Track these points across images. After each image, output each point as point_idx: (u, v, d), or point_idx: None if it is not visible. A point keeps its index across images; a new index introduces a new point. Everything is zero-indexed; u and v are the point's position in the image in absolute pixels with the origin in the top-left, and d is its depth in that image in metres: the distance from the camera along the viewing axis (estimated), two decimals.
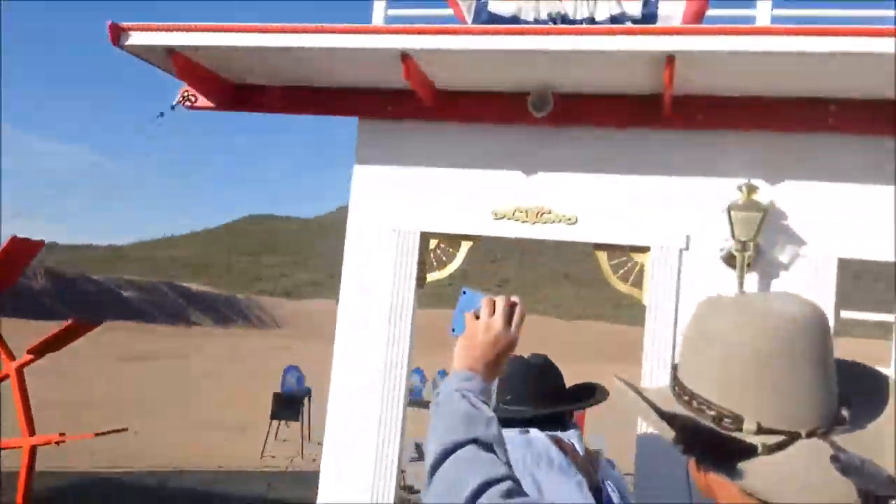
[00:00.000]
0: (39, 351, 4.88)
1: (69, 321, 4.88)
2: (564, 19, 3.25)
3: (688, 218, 3.05)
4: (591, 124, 3.16)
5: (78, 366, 18.89)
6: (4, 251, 4.81)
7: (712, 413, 1.02)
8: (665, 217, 3.08)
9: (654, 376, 3.01)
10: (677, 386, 1.10)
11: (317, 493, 3.29)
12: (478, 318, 1.44)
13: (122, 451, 9.75)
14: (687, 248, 3.05)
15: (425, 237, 3.30)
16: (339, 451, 3.28)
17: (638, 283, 3.12)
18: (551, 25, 3.13)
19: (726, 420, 1.00)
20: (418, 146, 3.35)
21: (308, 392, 12.60)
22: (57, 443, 4.71)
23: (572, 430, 2.17)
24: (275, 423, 12.13)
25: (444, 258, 3.31)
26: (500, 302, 1.44)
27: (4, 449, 4.80)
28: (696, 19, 3.15)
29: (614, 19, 3.20)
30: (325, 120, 3.64)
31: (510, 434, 1.92)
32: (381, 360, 3.26)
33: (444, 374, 12.23)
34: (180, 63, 3.13)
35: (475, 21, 3.32)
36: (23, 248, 4.96)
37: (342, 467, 3.25)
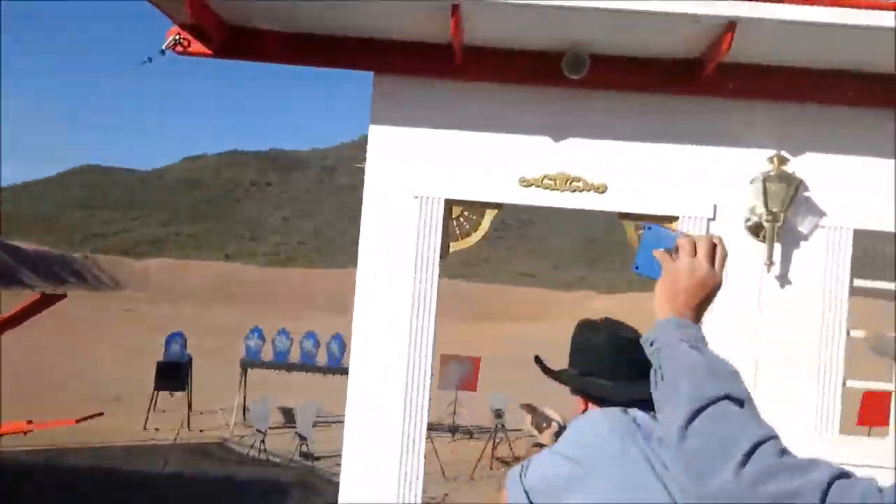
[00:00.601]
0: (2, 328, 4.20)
1: (36, 295, 4.21)
2: None
3: (715, 188, 3.09)
4: (623, 89, 3.11)
5: None
6: (26, 307, 4.16)
7: None
8: (693, 186, 3.10)
9: None
10: None
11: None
12: (672, 257, 1.36)
13: None
14: (714, 218, 3.09)
15: (449, 204, 3.14)
16: (362, 425, 3.10)
17: None
18: None
19: None
20: (441, 106, 3.15)
21: (190, 360, 11.94)
22: (25, 432, 4.11)
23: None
24: (153, 393, 11.43)
25: (467, 226, 3.17)
26: (702, 242, 1.35)
27: None
28: None
29: None
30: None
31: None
32: (406, 330, 3.09)
33: (340, 338, 11.98)
34: (196, 2, 2.75)
35: None
36: (47, 303, 4.29)
37: (367, 432, 3.09)
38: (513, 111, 3.14)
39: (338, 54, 3.15)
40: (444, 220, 3.13)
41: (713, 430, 1.09)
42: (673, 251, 1.37)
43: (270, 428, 10.37)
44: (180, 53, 3.11)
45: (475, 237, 3.17)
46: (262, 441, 9.69)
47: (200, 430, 11.48)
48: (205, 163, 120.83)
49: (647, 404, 2.17)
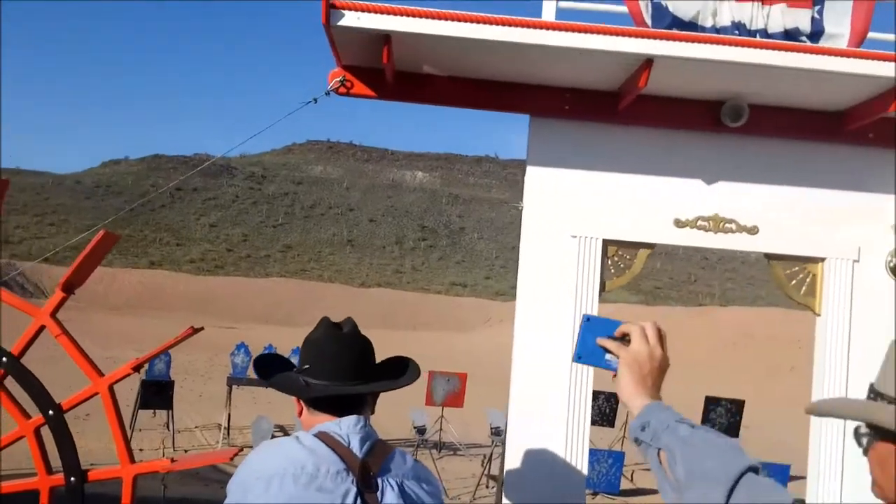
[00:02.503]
0: (74, 282, 3.86)
1: (101, 233, 3.87)
2: (740, 27, 3.28)
3: (860, 231, 3.25)
4: (776, 135, 3.24)
5: None
6: (93, 248, 3.84)
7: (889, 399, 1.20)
8: (839, 229, 3.25)
9: (828, 382, 3.19)
10: (872, 392, 1.26)
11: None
12: (621, 341, 1.50)
13: None
14: (858, 260, 3.25)
15: (606, 244, 3.20)
16: (523, 463, 3.11)
17: (811, 293, 3.27)
18: (753, 38, 3.12)
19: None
20: (599, 149, 3.21)
21: (171, 380, 11.59)
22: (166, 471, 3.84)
23: (351, 419, 1.90)
24: (134, 411, 11.04)
25: (621, 265, 3.23)
26: (650, 328, 1.50)
27: (99, 479, 3.82)
28: (859, 39, 3.32)
29: (788, 33, 3.28)
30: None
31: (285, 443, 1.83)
32: (566, 366, 3.13)
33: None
34: (390, 50, 2.74)
35: (656, 22, 3.23)
36: (108, 242, 4.01)
37: (527, 468, 3.11)
38: (669, 155, 3.23)
39: (499, 98, 3.19)
40: (602, 258, 3.19)
41: (752, 499, 1.23)
42: (621, 339, 1.50)
43: None
44: (342, 94, 3.09)
45: (629, 275, 3.24)
46: None
47: (185, 451, 11.14)
48: (126, 167, 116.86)
49: (346, 404, 1.96)
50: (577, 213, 3.18)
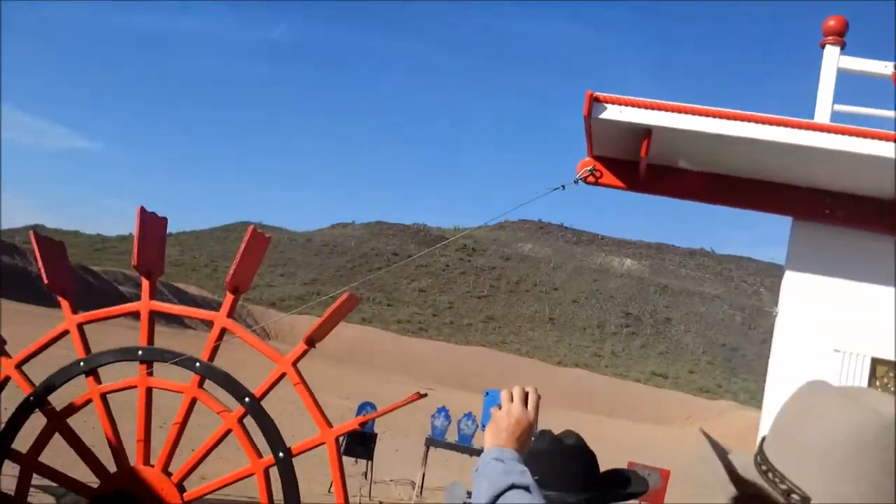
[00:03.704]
0: (315, 337, 4.29)
1: (345, 295, 4.24)
2: None
3: None
4: None
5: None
6: (337, 307, 4.32)
7: (784, 487, 1.15)
8: None
9: None
10: (759, 456, 1.23)
11: None
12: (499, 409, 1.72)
13: None
14: None
15: (875, 364, 2.91)
16: None
17: None
18: None
19: (794, 496, 1.13)
20: (871, 258, 2.97)
21: (375, 433, 12.07)
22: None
23: None
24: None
25: (891, 388, 2.91)
26: (517, 391, 1.72)
27: (305, 451, 4.19)
28: None
29: None
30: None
31: None
32: None
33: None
34: (649, 143, 2.75)
35: None
36: (351, 304, 4.46)
37: None
38: None
39: (758, 197, 3.07)
40: (869, 379, 2.90)
41: None
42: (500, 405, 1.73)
43: None
44: (591, 183, 3.13)
45: None
46: None
47: (380, 502, 11.45)
48: (351, 231, 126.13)
49: None
50: (840, 324, 2.94)
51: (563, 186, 3.16)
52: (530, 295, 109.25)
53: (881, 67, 3.11)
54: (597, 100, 2.68)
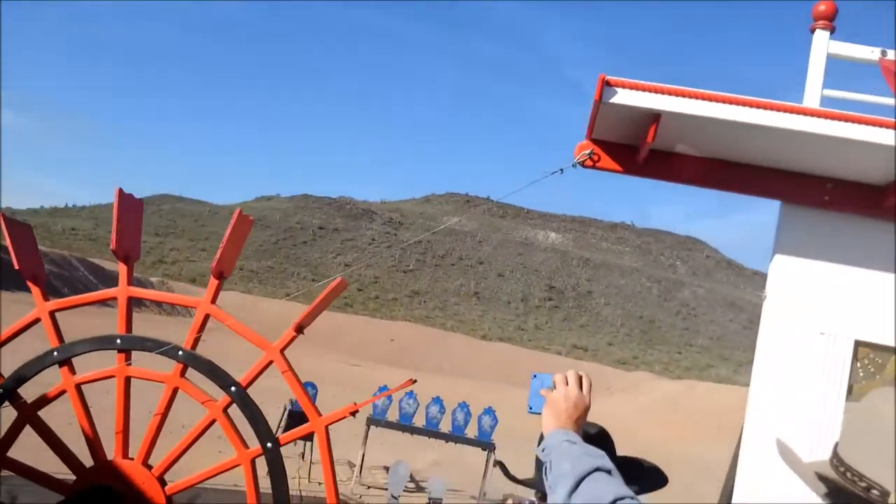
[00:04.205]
0: (304, 324, 4.13)
1: (336, 280, 4.08)
2: None
3: None
4: None
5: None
6: (328, 293, 4.13)
7: (863, 484, 1.29)
8: None
9: None
10: (835, 459, 1.39)
11: None
12: (552, 391, 1.76)
13: None
14: None
15: (858, 345, 3.01)
16: None
17: None
18: None
19: (874, 491, 1.27)
20: (858, 243, 3.06)
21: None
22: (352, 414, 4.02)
23: None
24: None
25: (871, 370, 3.03)
26: (571, 375, 1.77)
27: (293, 440, 4.02)
28: None
29: None
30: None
31: None
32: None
33: (466, 406, 11.86)
34: (657, 128, 2.74)
35: None
36: (340, 289, 4.28)
37: None
38: None
39: (751, 181, 3.11)
40: (852, 361, 3.01)
41: (589, 491, 1.48)
42: (553, 387, 1.78)
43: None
44: (588, 167, 3.11)
45: (880, 382, 3.03)
46: None
47: (318, 483, 11.38)
48: (276, 204, 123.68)
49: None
50: (826, 308, 3.02)
51: (561, 170, 3.13)
52: (456, 269, 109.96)
53: (868, 53, 3.19)
54: (608, 84, 2.65)
